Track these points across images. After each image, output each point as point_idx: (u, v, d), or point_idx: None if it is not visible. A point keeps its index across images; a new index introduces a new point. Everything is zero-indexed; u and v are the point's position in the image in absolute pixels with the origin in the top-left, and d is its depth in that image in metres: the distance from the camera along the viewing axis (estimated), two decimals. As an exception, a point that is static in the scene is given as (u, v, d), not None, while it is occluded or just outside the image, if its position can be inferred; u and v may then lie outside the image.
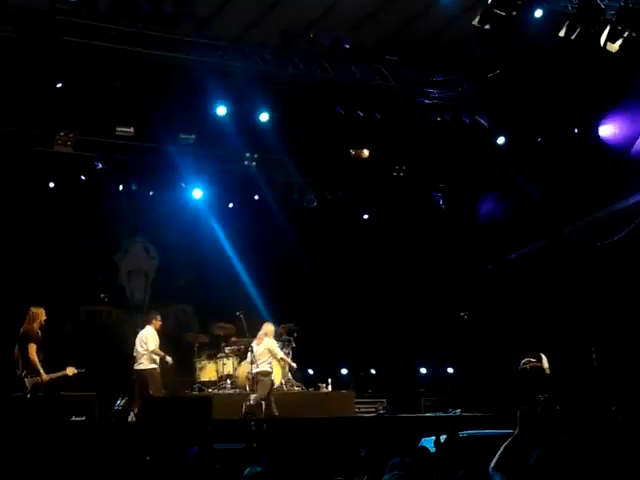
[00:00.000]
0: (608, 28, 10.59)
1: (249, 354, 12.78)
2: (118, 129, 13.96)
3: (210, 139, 14.91)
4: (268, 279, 15.26)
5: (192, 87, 13.40)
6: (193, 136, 14.63)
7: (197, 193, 15.70)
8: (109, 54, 12.66)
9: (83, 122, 13.77)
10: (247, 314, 13.83)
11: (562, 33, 10.91)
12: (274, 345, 12.75)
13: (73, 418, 11.59)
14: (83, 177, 14.66)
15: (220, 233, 15.73)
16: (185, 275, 16.57)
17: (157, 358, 12.38)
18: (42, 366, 10.48)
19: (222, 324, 14.06)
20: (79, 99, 13.05)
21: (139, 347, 12.44)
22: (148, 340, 12.40)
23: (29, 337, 10.60)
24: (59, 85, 12.55)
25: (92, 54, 12.55)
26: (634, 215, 13.50)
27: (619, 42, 10.57)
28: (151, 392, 12.10)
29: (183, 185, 15.61)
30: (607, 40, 10.56)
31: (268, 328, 12.81)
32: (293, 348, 13.99)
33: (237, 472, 5.13)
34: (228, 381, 13.48)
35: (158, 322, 12.66)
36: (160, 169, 15.26)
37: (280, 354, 12.92)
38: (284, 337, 14.03)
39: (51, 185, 14.55)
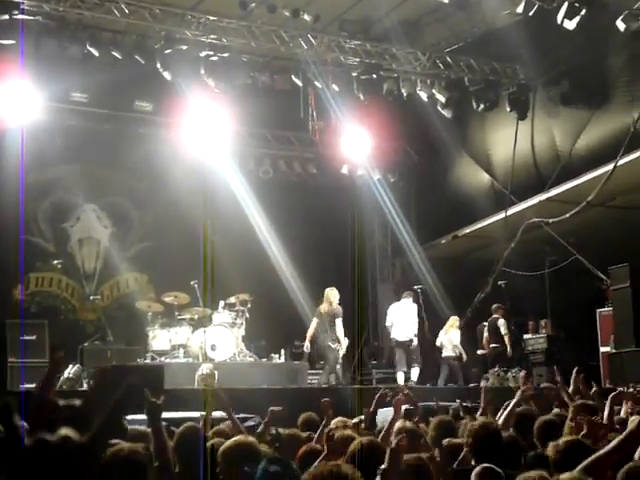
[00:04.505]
0: (566, 5, 10.72)
1: None
2: (73, 95, 13.75)
3: (165, 107, 14.81)
4: (223, 249, 15.21)
5: (147, 54, 13.19)
6: (149, 104, 14.50)
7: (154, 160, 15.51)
8: (63, 20, 12.45)
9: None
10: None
11: (520, 9, 11.01)
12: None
13: (25, 386, 11.48)
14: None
15: (175, 201, 15.57)
16: (138, 244, 16.45)
17: None
18: None
19: (176, 293, 14.00)
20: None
21: None
22: None
23: (337, 314, 13.13)
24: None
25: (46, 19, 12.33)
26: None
27: (576, 19, 10.71)
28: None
29: (138, 152, 15.44)
30: (565, 17, 10.70)
31: None
32: (247, 319, 14.00)
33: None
34: (181, 350, 13.48)
35: None
36: (115, 135, 15.12)
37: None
38: (238, 307, 14.03)
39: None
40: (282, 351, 14.33)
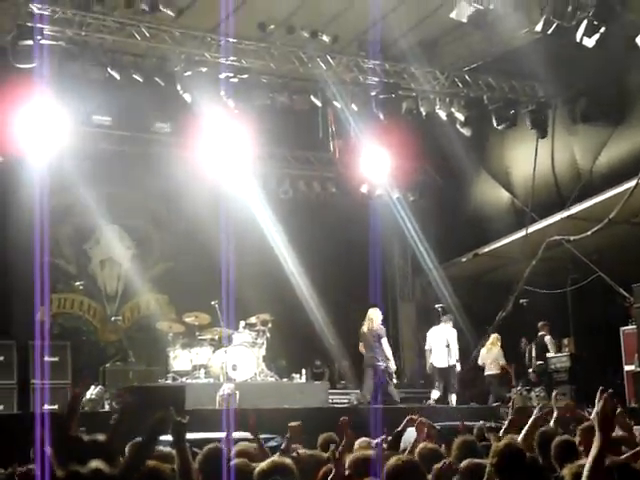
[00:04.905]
0: (585, 23, 10.71)
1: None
2: (94, 117, 13.89)
3: (184, 128, 14.92)
4: (243, 269, 15.23)
5: (168, 77, 13.31)
6: (169, 125, 14.65)
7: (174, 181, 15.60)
8: (85, 44, 12.58)
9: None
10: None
11: (539, 28, 11.01)
12: None
13: (45, 407, 11.53)
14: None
15: (195, 221, 15.62)
16: (159, 265, 16.52)
17: None
18: None
19: (196, 313, 14.02)
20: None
21: None
22: None
23: (381, 334, 13.31)
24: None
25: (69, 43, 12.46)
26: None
27: (595, 37, 10.69)
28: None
29: (158, 173, 15.54)
30: (584, 35, 10.69)
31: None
32: (267, 339, 13.99)
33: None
34: (202, 370, 13.48)
35: None
36: (135, 157, 15.25)
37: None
38: (258, 327, 14.03)
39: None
40: (303, 371, 14.32)
